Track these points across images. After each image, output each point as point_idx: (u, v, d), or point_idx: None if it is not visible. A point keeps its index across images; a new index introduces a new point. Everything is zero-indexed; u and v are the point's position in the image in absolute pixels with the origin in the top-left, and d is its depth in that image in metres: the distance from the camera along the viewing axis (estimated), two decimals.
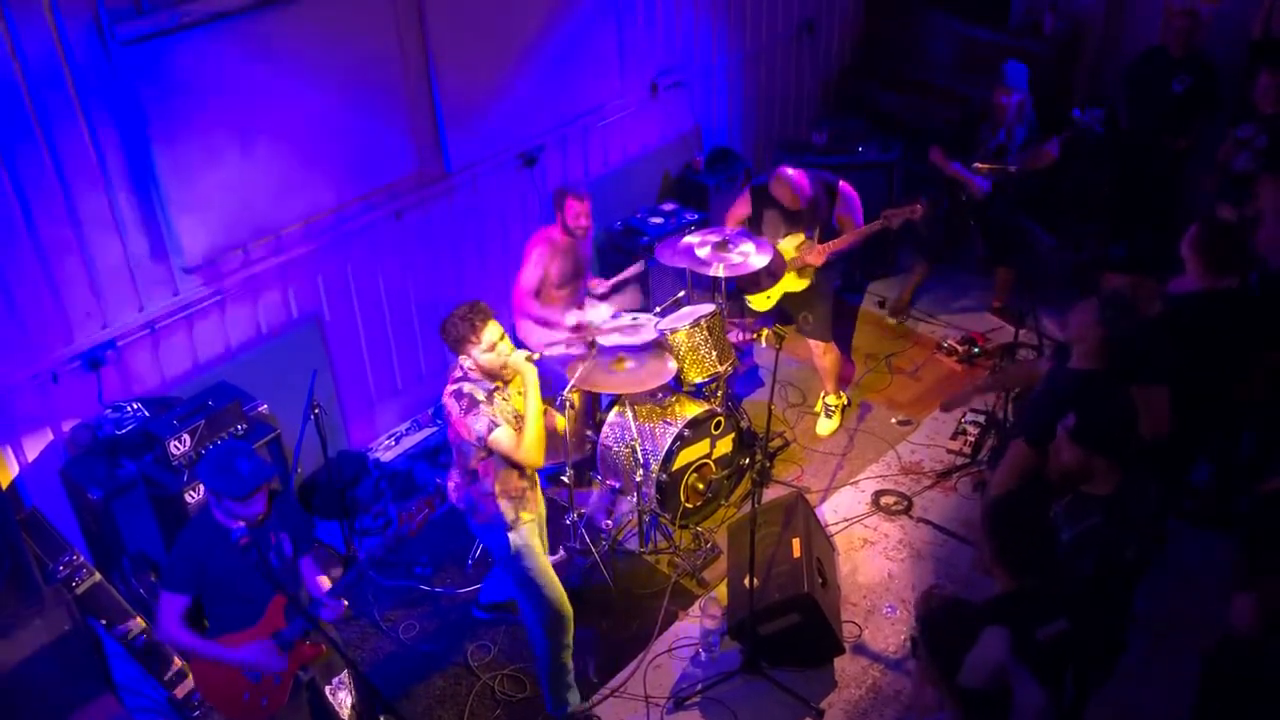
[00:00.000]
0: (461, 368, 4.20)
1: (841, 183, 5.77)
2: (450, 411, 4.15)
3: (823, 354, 6.11)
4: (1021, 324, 6.51)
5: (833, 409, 6.26)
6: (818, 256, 5.77)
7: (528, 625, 4.57)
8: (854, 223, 5.78)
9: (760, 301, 6.05)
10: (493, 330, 4.12)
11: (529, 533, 4.36)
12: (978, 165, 6.33)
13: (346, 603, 3.91)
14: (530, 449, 4.16)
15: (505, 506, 4.28)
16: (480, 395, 4.13)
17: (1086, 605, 3.49)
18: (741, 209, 5.95)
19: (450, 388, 4.18)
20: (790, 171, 5.62)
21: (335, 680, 4.13)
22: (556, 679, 4.60)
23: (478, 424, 4.09)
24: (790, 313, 6.08)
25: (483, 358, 4.13)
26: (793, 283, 5.91)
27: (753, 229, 5.87)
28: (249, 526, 3.69)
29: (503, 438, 4.11)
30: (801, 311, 6.03)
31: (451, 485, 4.39)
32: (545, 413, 4.30)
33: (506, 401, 4.23)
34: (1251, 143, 5.87)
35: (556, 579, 4.47)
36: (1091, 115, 6.06)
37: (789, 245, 5.81)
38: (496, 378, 4.21)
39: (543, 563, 4.42)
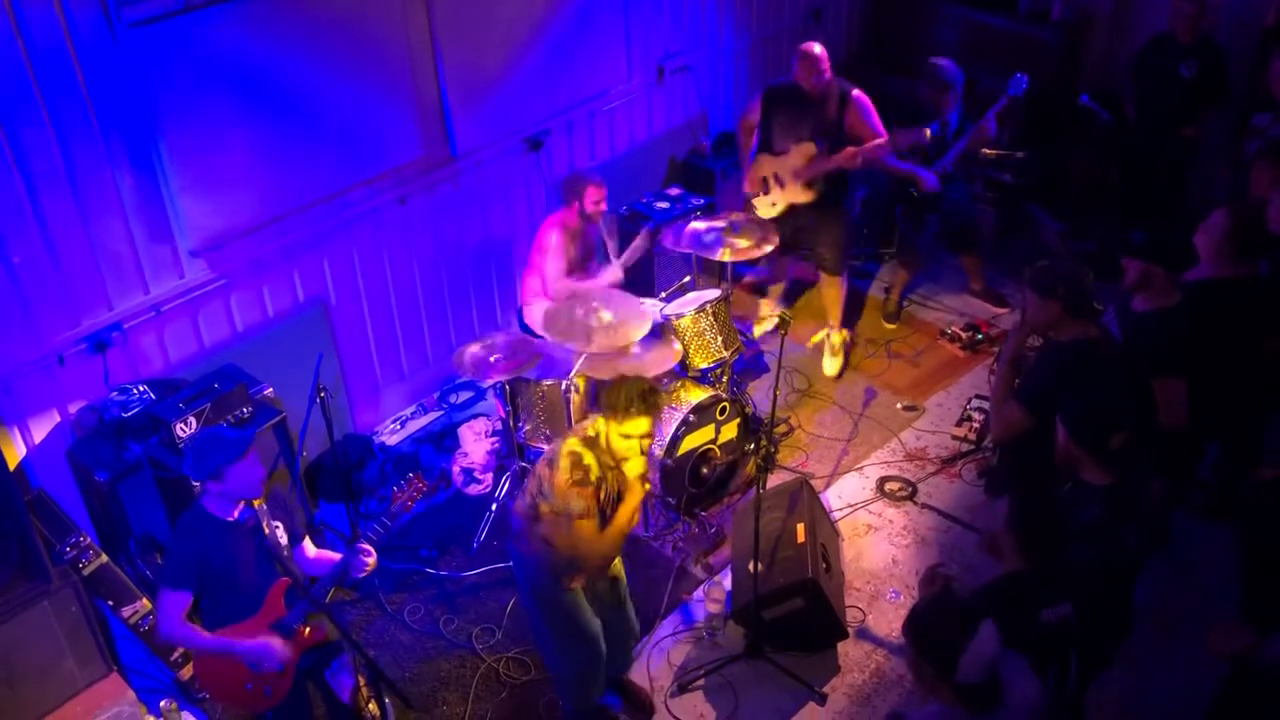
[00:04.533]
0: (596, 429, 3.97)
1: (855, 90, 5.89)
2: (560, 471, 3.88)
3: (831, 285, 6.24)
4: (1004, 304, 6.91)
5: (837, 347, 6.36)
6: (828, 166, 5.88)
7: (550, 669, 4.49)
8: (869, 130, 5.88)
9: (765, 208, 6.11)
10: (646, 425, 3.89)
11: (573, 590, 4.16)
12: (985, 152, 6.31)
13: (373, 551, 3.89)
14: (599, 551, 4.00)
15: (552, 560, 4.06)
16: (595, 475, 3.90)
17: (1090, 590, 3.50)
18: (753, 115, 6.11)
19: (575, 446, 3.93)
20: (818, 47, 5.78)
21: (335, 663, 4.14)
22: (576, 717, 4.49)
23: (575, 503, 3.86)
24: (804, 243, 6.22)
25: (617, 439, 3.90)
26: (799, 194, 6.00)
27: (763, 136, 6.06)
28: (251, 504, 3.70)
29: (585, 530, 3.89)
30: (815, 244, 6.16)
31: (513, 499, 4.23)
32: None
33: (613, 480, 4.01)
34: (1266, 131, 5.84)
35: (592, 622, 4.21)
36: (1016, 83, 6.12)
37: (799, 155, 5.90)
38: (612, 460, 3.98)
39: (578, 599, 4.15)
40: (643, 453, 3.96)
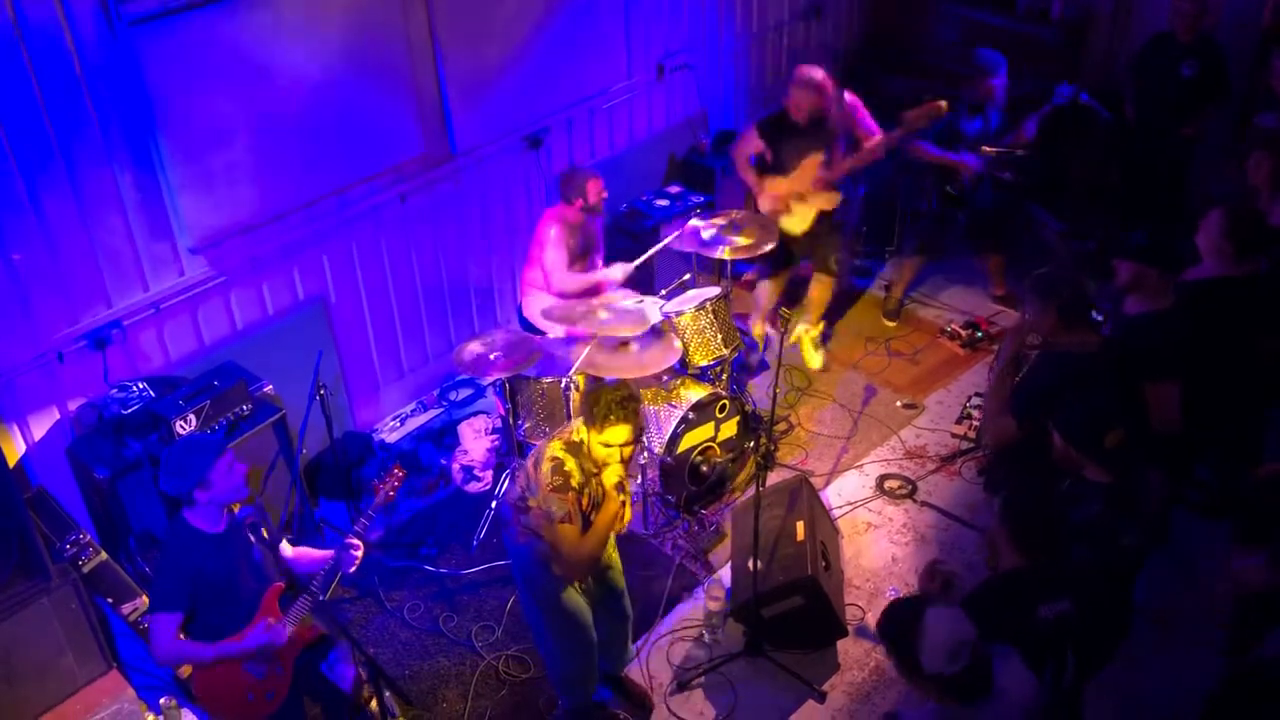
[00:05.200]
0: (580, 435, 3.96)
1: (847, 93, 5.93)
2: (543, 475, 3.90)
3: (825, 285, 6.37)
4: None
5: (817, 339, 6.53)
6: (846, 167, 5.91)
7: (546, 663, 4.48)
8: (864, 129, 5.90)
9: (793, 224, 6.14)
10: (626, 433, 3.87)
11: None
12: (985, 149, 6.31)
13: (360, 545, 3.89)
14: (581, 559, 3.98)
15: (543, 551, 4.08)
16: (577, 480, 3.89)
17: (1089, 587, 3.50)
18: (750, 145, 6.07)
19: (558, 450, 3.92)
20: (819, 73, 5.73)
21: (331, 655, 4.13)
22: (574, 713, 4.50)
23: (556, 506, 3.86)
24: (814, 251, 6.27)
25: (598, 446, 3.90)
26: (824, 201, 6.05)
27: (772, 164, 6.03)
28: (239, 505, 3.67)
29: (567, 534, 3.88)
30: (824, 252, 6.25)
31: (504, 489, 4.25)
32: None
33: (597, 486, 4.00)
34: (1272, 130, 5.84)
35: (586, 613, 4.22)
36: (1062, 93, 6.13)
37: (810, 167, 5.93)
38: (595, 466, 3.98)
39: (572, 589, 4.17)
40: (623, 461, 3.96)
